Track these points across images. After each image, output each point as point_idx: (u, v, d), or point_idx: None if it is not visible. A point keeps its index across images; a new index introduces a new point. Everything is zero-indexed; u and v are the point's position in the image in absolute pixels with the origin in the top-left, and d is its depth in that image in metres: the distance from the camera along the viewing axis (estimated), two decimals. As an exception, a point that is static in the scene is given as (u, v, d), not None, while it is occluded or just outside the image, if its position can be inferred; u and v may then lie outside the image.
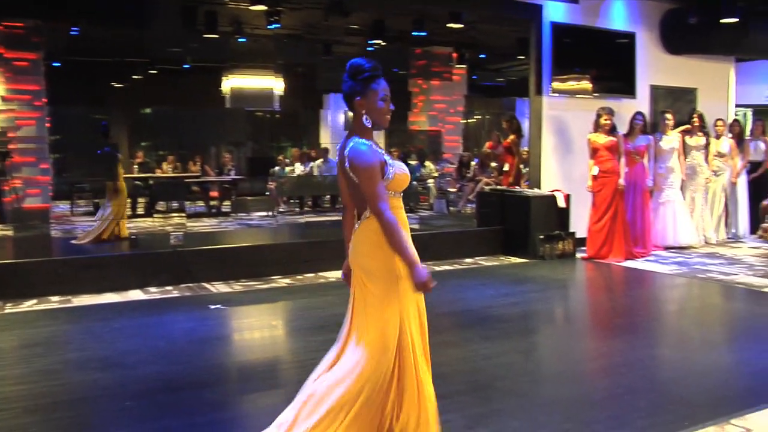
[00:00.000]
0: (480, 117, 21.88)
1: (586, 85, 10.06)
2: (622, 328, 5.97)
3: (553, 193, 9.44)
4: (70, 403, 4.15)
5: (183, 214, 12.88)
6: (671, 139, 9.81)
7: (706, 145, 10.27)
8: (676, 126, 10.09)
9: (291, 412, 3.16)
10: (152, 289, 7.26)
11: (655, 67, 10.79)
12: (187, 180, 14.35)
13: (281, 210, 14.27)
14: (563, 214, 9.38)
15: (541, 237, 9.05)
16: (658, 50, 10.88)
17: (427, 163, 15.19)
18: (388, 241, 3.00)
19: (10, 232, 10.41)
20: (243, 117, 18.78)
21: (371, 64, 3.13)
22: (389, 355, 3.03)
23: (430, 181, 14.77)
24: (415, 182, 14.24)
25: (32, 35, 11.12)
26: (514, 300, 6.78)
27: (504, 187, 10.27)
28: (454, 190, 14.04)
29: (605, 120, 8.85)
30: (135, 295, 7.06)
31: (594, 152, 8.96)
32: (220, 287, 7.42)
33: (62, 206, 14.23)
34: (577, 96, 10.00)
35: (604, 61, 10.29)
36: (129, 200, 11.65)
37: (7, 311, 6.38)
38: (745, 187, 10.79)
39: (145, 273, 7.43)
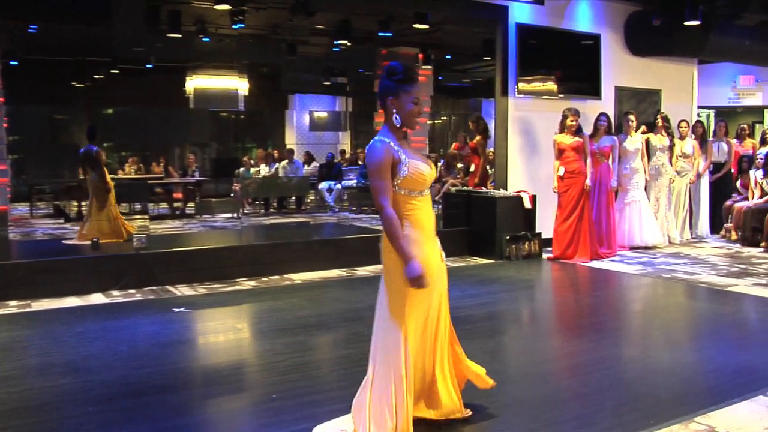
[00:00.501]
0: (446, 118, 21.96)
1: (552, 86, 10.16)
2: (587, 328, 6.04)
3: (519, 193, 9.50)
4: (30, 410, 4.07)
5: (146, 216, 12.75)
6: (635, 140, 9.94)
7: (671, 146, 10.43)
8: (639, 126, 10.24)
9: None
10: (115, 293, 7.17)
11: (619, 68, 10.94)
12: (150, 181, 14.19)
13: (246, 212, 14.19)
14: (529, 215, 9.44)
15: (507, 238, 9.12)
16: (623, 52, 11.03)
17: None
18: (387, 236, 3.26)
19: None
20: (207, 117, 18.64)
21: (406, 68, 3.37)
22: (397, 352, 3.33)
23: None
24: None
25: (-12, 33, 10.94)
26: (481, 301, 6.82)
27: (470, 188, 10.32)
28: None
29: (571, 121, 8.93)
30: (97, 299, 6.97)
31: (560, 153, 9.03)
32: (183, 290, 7.36)
33: (21, 208, 13.99)
34: (543, 97, 10.09)
35: (570, 62, 10.40)
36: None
37: (-37, 316, 6.26)
38: (708, 187, 10.98)
39: (108, 276, 7.34)
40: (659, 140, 10.32)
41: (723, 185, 11.17)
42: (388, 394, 3.34)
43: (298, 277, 8.02)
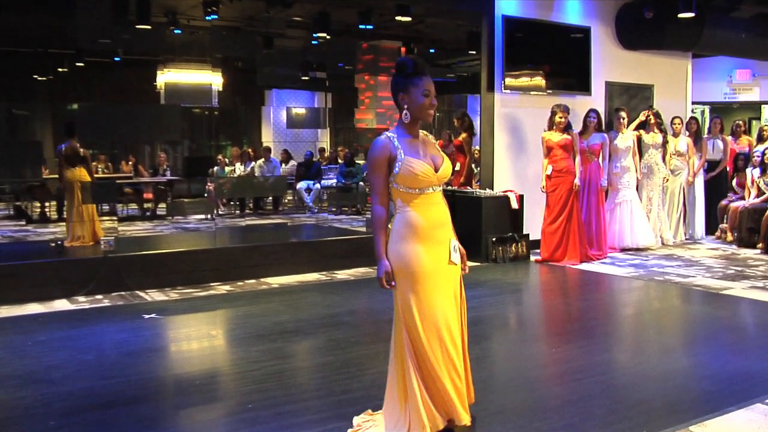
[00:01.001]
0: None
1: (540, 81, 10.20)
2: (577, 333, 6.06)
3: (506, 193, 9.53)
4: (-11, 423, 4.04)
5: (114, 218, 12.67)
6: (626, 138, 9.99)
7: (663, 144, 10.48)
8: (630, 123, 10.30)
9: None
10: (81, 299, 7.12)
11: (610, 63, 11.00)
12: (118, 181, 14.10)
13: (220, 213, 14.14)
14: (516, 216, 9.48)
15: (494, 239, 9.14)
16: (614, 46, 11.09)
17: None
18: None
19: None
20: (179, 114, 18.41)
21: (415, 62, 3.52)
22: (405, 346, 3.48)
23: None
24: (362, 182, 14.27)
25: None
26: (466, 305, 6.81)
27: (455, 188, 10.33)
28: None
29: (560, 117, 8.96)
30: (61, 305, 6.92)
31: (548, 151, 9.07)
32: (154, 295, 7.32)
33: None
34: (531, 93, 10.13)
35: (559, 56, 10.44)
36: (55, 203, 11.39)
37: None
38: (702, 186, 11.05)
39: (73, 281, 7.28)
40: (651, 138, 10.38)
41: (718, 184, 11.26)
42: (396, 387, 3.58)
43: (275, 281, 8.00)
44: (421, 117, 3.52)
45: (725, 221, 10.77)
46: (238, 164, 15.34)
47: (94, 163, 14.72)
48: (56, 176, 13.18)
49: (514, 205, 9.43)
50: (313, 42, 14.34)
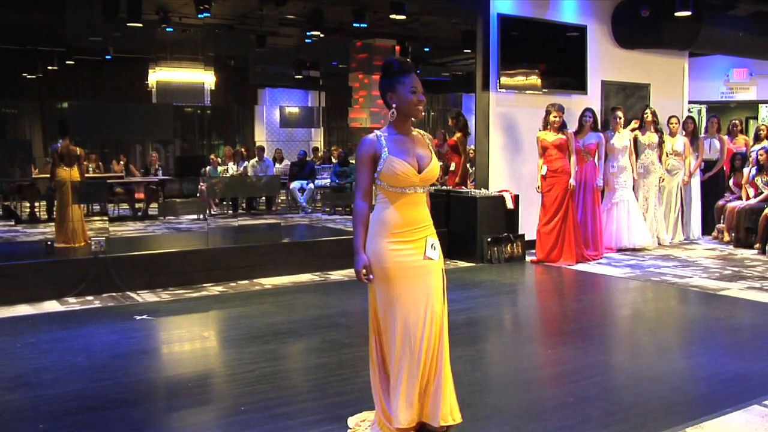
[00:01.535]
0: (424, 114, 21.98)
1: (535, 80, 10.21)
2: (573, 334, 6.07)
3: (501, 193, 9.54)
4: (-22, 426, 4.02)
5: (105, 218, 12.64)
6: (623, 137, 10.01)
7: (660, 143, 10.49)
8: (627, 123, 10.31)
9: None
10: (71, 300, 7.11)
11: (606, 61, 11.01)
12: (110, 181, 14.07)
13: (213, 213, 14.11)
14: (511, 216, 9.49)
15: (489, 240, 9.15)
16: (610, 44, 11.11)
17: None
18: None
19: None
20: (171, 113, 18.31)
21: (400, 61, 3.62)
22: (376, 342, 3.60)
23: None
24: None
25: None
26: (460, 306, 6.82)
27: (449, 188, 10.34)
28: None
29: (554, 117, 8.97)
30: (51, 306, 6.90)
31: (543, 151, 9.08)
32: (146, 296, 7.31)
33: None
34: (526, 92, 10.14)
35: (554, 55, 10.45)
36: (45, 203, 11.35)
37: None
38: (699, 186, 11.07)
39: (63, 282, 7.26)
40: (648, 137, 10.39)
41: (715, 184, 11.28)
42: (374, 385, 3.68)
43: (268, 282, 8.00)
44: (410, 114, 3.60)
45: (722, 221, 10.79)
46: (230, 164, 15.33)
47: (84, 163, 14.76)
48: (46, 176, 13.19)
49: (510, 205, 9.43)
50: (307, 40, 14.32)
